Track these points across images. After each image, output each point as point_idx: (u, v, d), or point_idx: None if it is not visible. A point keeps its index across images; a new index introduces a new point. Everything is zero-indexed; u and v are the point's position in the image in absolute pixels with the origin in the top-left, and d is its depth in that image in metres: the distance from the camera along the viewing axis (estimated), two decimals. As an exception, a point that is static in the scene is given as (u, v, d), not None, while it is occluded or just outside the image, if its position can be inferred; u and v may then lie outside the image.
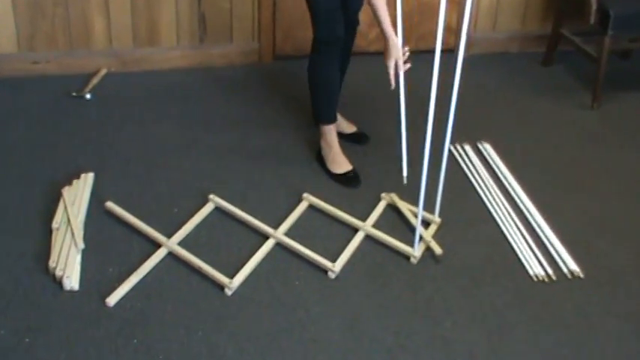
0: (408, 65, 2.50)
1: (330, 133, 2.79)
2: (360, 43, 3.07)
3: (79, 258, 2.31)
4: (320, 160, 2.84)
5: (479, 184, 2.79)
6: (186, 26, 3.56)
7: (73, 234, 2.36)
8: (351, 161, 2.80)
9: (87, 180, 2.65)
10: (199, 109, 3.25)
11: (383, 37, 2.48)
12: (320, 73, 2.70)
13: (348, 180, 2.75)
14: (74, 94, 3.28)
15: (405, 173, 2.61)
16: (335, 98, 2.77)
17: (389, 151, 2.86)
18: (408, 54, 2.51)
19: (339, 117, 2.95)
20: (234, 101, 3.33)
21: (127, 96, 3.33)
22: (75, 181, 2.63)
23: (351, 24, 2.67)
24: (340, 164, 2.78)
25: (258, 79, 3.55)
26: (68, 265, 2.24)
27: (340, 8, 2.56)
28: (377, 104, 3.24)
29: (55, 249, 2.31)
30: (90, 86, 3.34)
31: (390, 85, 2.49)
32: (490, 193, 2.74)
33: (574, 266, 2.40)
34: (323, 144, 2.81)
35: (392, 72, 2.48)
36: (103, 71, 3.49)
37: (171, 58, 3.59)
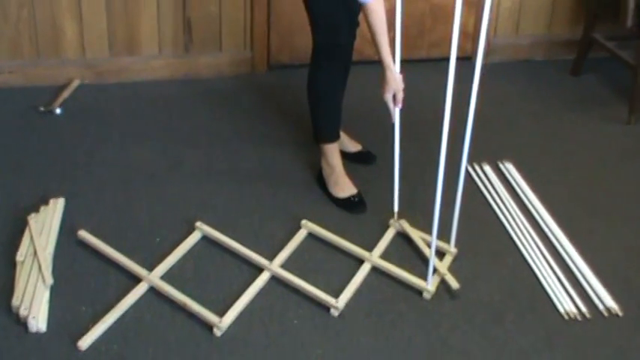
0: (402, 95, 2.51)
1: (333, 152, 2.80)
2: (365, 50, 3.09)
3: (47, 295, 2.30)
4: (321, 182, 2.84)
5: (500, 210, 2.80)
6: (169, 32, 3.59)
7: (40, 268, 2.36)
8: (356, 184, 2.81)
9: (56, 206, 2.66)
10: (184, 125, 3.27)
11: (380, 64, 2.48)
12: (321, 86, 2.72)
13: (352, 205, 2.76)
14: (42, 108, 3.30)
15: (395, 208, 2.63)
16: (338, 114, 2.79)
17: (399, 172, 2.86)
18: (403, 85, 2.52)
19: (342, 134, 2.97)
20: (223, 117, 3.34)
21: (102, 111, 3.35)
22: (43, 208, 2.64)
23: (351, 25, 2.68)
24: (343, 187, 2.79)
25: (251, 92, 3.57)
26: (34, 303, 2.24)
27: (343, 12, 2.58)
28: (384, 119, 3.25)
29: (20, 285, 2.31)
30: (60, 100, 3.36)
31: (391, 119, 2.51)
32: (513, 219, 2.75)
33: (611, 303, 2.40)
34: (324, 164, 2.82)
35: (392, 105, 2.50)
36: (75, 83, 3.51)
37: (152, 68, 3.61)
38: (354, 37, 2.67)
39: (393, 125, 2.52)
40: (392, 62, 2.45)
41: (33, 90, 3.43)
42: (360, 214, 2.74)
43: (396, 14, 2.32)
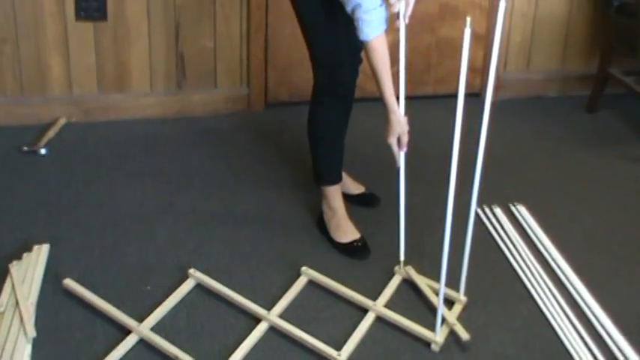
0: (407, 138, 2.52)
1: (334, 195, 2.82)
2: (368, 86, 3.12)
3: (29, 349, 2.29)
4: (322, 226, 2.86)
5: (513, 255, 2.80)
6: (161, 68, 3.63)
7: (22, 319, 2.36)
8: (359, 228, 2.82)
9: (40, 253, 2.66)
10: (177, 166, 3.29)
11: (384, 107, 2.48)
12: (322, 125, 2.74)
13: (355, 250, 2.77)
14: (26, 148, 3.32)
15: (401, 254, 2.64)
16: (340, 155, 2.81)
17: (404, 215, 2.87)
18: (408, 127, 2.53)
19: (344, 175, 2.98)
20: (218, 157, 3.37)
21: (89, 151, 3.37)
22: (25, 255, 2.64)
23: (354, 62, 2.71)
24: (346, 232, 2.80)
25: (248, 131, 3.59)
26: (15, 358, 2.23)
27: (346, 48, 2.61)
28: (387, 159, 3.27)
29: None
30: (45, 139, 3.38)
31: (395, 163, 2.53)
32: (527, 265, 2.75)
33: (633, 355, 2.39)
34: (325, 208, 2.84)
35: (396, 149, 2.51)
36: (61, 121, 3.53)
37: (143, 105, 3.64)
38: (356, 73, 2.70)
39: (397, 167, 2.53)
40: (395, 104, 2.46)
41: (16, 129, 3.45)
42: (363, 260, 2.74)
43: (400, 49, 2.34)
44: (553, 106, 3.95)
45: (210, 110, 3.72)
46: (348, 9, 2.39)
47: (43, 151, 3.32)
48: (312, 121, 2.75)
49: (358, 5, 2.34)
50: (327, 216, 2.84)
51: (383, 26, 2.40)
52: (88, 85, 3.57)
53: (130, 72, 3.60)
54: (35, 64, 3.48)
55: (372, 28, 2.38)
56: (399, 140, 2.49)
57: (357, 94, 2.75)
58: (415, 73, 3.78)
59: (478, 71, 3.92)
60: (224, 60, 3.68)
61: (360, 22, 2.37)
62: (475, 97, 3.80)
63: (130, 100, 3.63)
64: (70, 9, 3.41)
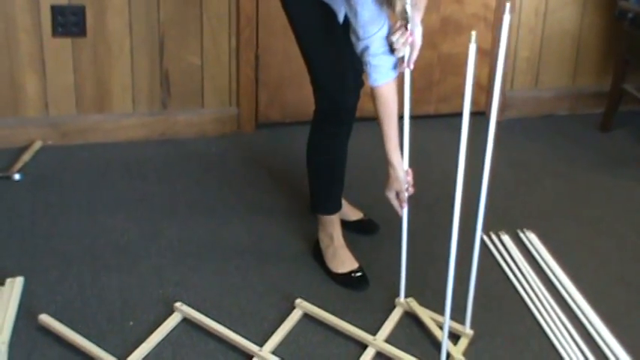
0: (412, 191, 2.54)
1: (332, 223, 2.83)
2: (365, 106, 3.14)
3: (3, 388, 2.29)
4: (317, 256, 2.86)
5: (522, 285, 2.81)
6: (144, 87, 3.64)
7: (-4, 357, 2.35)
8: (357, 257, 2.82)
9: (14, 286, 2.65)
10: (162, 192, 3.30)
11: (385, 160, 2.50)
12: (324, 154, 2.75)
13: (352, 281, 2.77)
14: (-1, 174, 3.33)
15: (402, 285, 2.64)
16: (341, 184, 2.82)
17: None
18: (411, 181, 2.53)
19: (343, 202, 3.00)
20: (206, 182, 3.37)
21: (67, 176, 3.38)
22: (-1, 288, 2.64)
23: (356, 86, 2.73)
24: (343, 261, 2.80)
25: (237, 153, 3.60)
26: (-11, 397, 2.22)
27: (350, 72, 2.62)
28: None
29: (-27, 377, 2.29)
30: (19, 164, 3.39)
31: (398, 214, 2.55)
32: (537, 296, 2.75)
33: (651, 392, 2.39)
34: (322, 236, 2.84)
35: (395, 203, 2.53)
36: (37, 144, 3.54)
37: (125, 127, 3.66)
38: (358, 97, 2.72)
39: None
40: (396, 158, 2.46)
41: (-11, 153, 3.47)
42: (361, 291, 2.74)
43: (405, 97, 2.33)
44: (564, 126, 3.97)
45: (197, 132, 3.74)
46: (358, 51, 2.42)
47: (17, 176, 3.32)
48: (313, 148, 2.76)
49: (366, 48, 2.37)
50: (323, 244, 2.85)
51: (393, 73, 2.42)
52: (66, 105, 3.58)
53: (111, 91, 3.61)
54: (8, 83, 3.49)
55: (380, 74, 2.40)
56: (398, 196, 2.52)
57: (356, 113, 2.77)
58: (416, 91, 3.79)
59: (483, 89, 3.94)
60: (212, 78, 3.70)
61: (368, 67, 2.40)
62: (480, 115, 3.82)
63: (111, 122, 3.64)
64: (46, 24, 3.43)
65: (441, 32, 3.86)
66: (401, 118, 2.40)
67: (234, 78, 3.72)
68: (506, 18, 2.09)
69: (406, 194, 2.52)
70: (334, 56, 2.61)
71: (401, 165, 2.48)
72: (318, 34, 2.60)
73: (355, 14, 2.32)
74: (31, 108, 3.55)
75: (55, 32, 3.44)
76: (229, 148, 3.66)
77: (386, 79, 2.41)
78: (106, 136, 3.64)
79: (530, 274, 2.86)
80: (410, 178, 2.52)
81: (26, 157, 3.44)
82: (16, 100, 3.52)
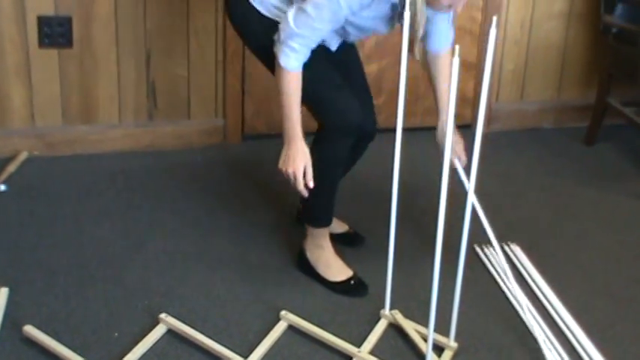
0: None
1: (324, 234, 2.84)
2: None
3: (-13, 400, 2.29)
4: (303, 266, 2.87)
5: (507, 298, 2.82)
6: (130, 98, 3.65)
7: (-20, 368, 2.35)
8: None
9: (-1, 297, 2.66)
10: (147, 203, 3.30)
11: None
12: (327, 162, 2.69)
13: (352, 288, 2.78)
14: (-16, 185, 3.33)
15: (387, 297, 2.64)
16: (335, 197, 2.82)
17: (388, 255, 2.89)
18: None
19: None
20: (192, 193, 3.38)
21: (53, 187, 3.38)
22: (-17, 299, 2.64)
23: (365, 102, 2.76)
24: (339, 270, 2.82)
25: (223, 165, 3.61)
26: (-27, 409, 2.22)
27: (343, 85, 2.64)
28: (373, 195, 3.30)
29: (-43, 388, 2.29)
30: (5, 175, 3.39)
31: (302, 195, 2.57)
32: (521, 309, 2.76)
33: (633, 403, 2.40)
34: (311, 247, 2.85)
35: (300, 182, 2.52)
36: (23, 155, 3.54)
37: (111, 138, 3.66)
38: (371, 113, 2.77)
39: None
40: (300, 135, 2.50)
41: (-26, 164, 3.46)
42: (362, 297, 2.76)
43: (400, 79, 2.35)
44: (549, 139, 4.00)
45: (183, 143, 3.74)
46: (282, 30, 2.44)
47: (2, 187, 3.32)
48: (317, 156, 2.68)
49: (299, 35, 2.40)
50: (313, 255, 2.85)
51: (302, 65, 2.46)
52: (52, 116, 3.59)
53: (98, 102, 3.62)
54: (-6, 94, 3.50)
55: (294, 59, 2.44)
56: (305, 173, 2.52)
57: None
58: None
59: (469, 101, 3.97)
60: (198, 90, 3.71)
61: (284, 46, 2.43)
62: (466, 128, 3.84)
63: (97, 133, 3.65)
64: (32, 35, 3.44)
65: (427, 45, 3.89)
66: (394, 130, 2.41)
67: (221, 89, 3.73)
68: (493, 32, 2.11)
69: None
70: (332, 77, 2.64)
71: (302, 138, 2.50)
72: (312, 62, 2.56)
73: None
74: (16, 119, 3.55)
75: (42, 43, 3.45)
76: (215, 159, 3.67)
77: (298, 67, 2.45)
78: (92, 147, 3.64)
79: (514, 287, 2.87)
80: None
81: (12, 167, 3.44)
82: (1, 110, 3.52)
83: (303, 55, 2.46)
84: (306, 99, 2.55)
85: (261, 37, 2.60)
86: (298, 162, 2.50)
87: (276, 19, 2.53)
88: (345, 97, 2.63)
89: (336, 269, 2.82)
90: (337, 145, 2.68)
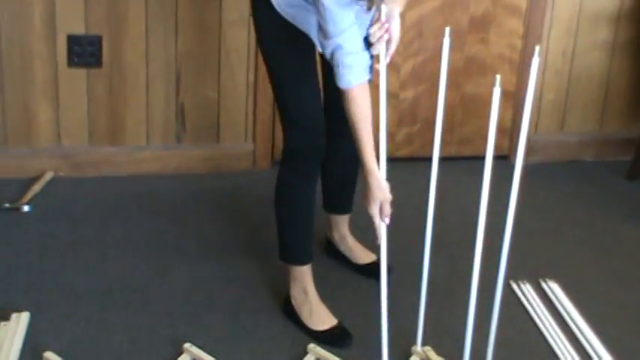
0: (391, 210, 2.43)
1: (305, 276, 2.77)
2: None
3: None
4: (289, 313, 2.80)
5: (544, 338, 2.79)
6: (159, 120, 3.67)
7: (-2, 395, 2.35)
8: (370, 304, 2.79)
9: (19, 322, 2.65)
10: (173, 229, 3.31)
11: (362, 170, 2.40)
12: (297, 197, 2.69)
13: (336, 338, 2.70)
14: (7, 205, 3.34)
15: (419, 333, 2.61)
16: (312, 229, 2.77)
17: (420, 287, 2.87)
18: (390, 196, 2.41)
19: (352, 242, 3.01)
20: (219, 220, 3.38)
21: (78, 209, 3.40)
22: (2, 324, 2.63)
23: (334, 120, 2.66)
24: (323, 318, 2.74)
25: (253, 191, 3.61)
26: None
27: (320, 104, 2.60)
28: (404, 225, 3.29)
29: (-26, 415, 2.29)
30: (29, 195, 3.41)
31: (376, 238, 2.44)
32: (560, 349, 2.73)
33: None
34: (295, 292, 2.78)
35: (378, 221, 2.39)
36: (48, 175, 3.56)
37: (138, 160, 3.68)
38: (334, 134, 2.67)
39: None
40: (375, 165, 2.36)
41: (-2, 183, 3.49)
42: (346, 348, 2.68)
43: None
44: (589, 172, 3.97)
45: (211, 167, 3.75)
46: (327, 52, 2.33)
47: (26, 207, 3.34)
48: (284, 191, 2.70)
49: (338, 47, 2.29)
50: (296, 301, 2.78)
51: (366, 73, 2.35)
52: (79, 136, 3.61)
53: (125, 123, 3.64)
54: (21, 111, 3.53)
55: (354, 75, 2.31)
56: (381, 210, 2.39)
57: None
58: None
59: (506, 132, 3.95)
60: (228, 112, 3.72)
61: (340, 68, 2.31)
62: (503, 159, 3.83)
63: (124, 155, 3.67)
64: (62, 53, 3.47)
65: (465, 72, 3.88)
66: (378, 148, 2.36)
67: (251, 113, 3.74)
68: (535, 61, 2.10)
69: (388, 207, 2.38)
70: (308, 90, 2.59)
71: (379, 171, 2.36)
72: (294, 66, 2.56)
73: (322, 7, 2.22)
74: (43, 138, 3.58)
75: (71, 62, 3.48)
76: (244, 185, 3.67)
77: (360, 79, 2.32)
78: (119, 169, 3.66)
79: (552, 327, 2.84)
80: (389, 193, 2.38)
81: (36, 187, 3.46)
82: (28, 129, 3.55)
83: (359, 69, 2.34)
84: (279, 91, 2.59)
85: (271, 35, 2.56)
86: (372, 199, 2.38)
87: (288, 17, 2.48)
88: (315, 113, 2.61)
89: (319, 318, 2.74)
90: (305, 175, 2.66)
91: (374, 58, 2.38)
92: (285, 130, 2.65)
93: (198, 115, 3.69)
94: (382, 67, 2.31)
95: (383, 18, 2.27)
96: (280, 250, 2.81)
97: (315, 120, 2.61)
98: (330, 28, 2.26)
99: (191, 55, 3.59)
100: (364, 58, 2.33)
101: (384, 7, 2.26)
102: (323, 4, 2.21)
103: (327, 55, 2.34)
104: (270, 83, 2.64)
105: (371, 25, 2.30)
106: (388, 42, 2.34)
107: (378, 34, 2.28)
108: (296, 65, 2.57)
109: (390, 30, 2.32)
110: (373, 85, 2.35)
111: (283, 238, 2.79)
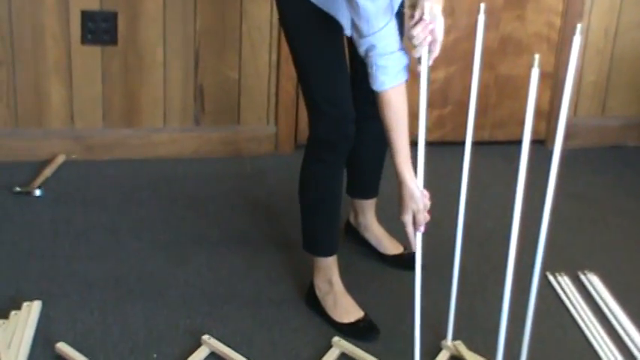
0: (428, 217, 2.41)
1: (331, 267, 2.78)
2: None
3: (15, 421, 2.31)
4: (313, 303, 2.81)
5: (582, 333, 2.78)
6: (177, 101, 3.67)
7: (8, 387, 2.37)
8: (399, 295, 2.81)
9: (31, 311, 2.67)
10: (192, 215, 3.32)
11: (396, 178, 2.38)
12: (323, 188, 2.69)
13: (361, 331, 2.71)
14: (18, 189, 3.37)
15: (450, 327, 2.62)
16: (338, 220, 2.77)
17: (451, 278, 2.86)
18: (429, 203, 2.40)
19: (381, 233, 3.01)
20: (239, 206, 3.40)
21: (91, 194, 3.42)
22: (13, 313, 2.65)
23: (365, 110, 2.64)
24: (347, 310, 2.75)
25: (274, 176, 3.62)
26: None
27: (350, 90, 2.57)
28: (434, 213, 3.28)
29: (-16, 407, 2.31)
30: (41, 179, 3.43)
31: (412, 246, 2.45)
32: (599, 345, 2.72)
33: None
34: (319, 282, 2.79)
35: (411, 230, 2.39)
36: (60, 158, 3.59)
37: (154, 143, 3.69)
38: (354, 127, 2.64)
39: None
40: (408, 174, 2.35)
41: (8, 166, 3.51)
42: (372, 341, 2.68)
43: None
44: (632, 158, 3.95)
45: (231, 150, 3.76)
46: (362, 50, 2.32)
47: (37, 192, 3.36)
48: (309, 182, 2.71)
49: (372, 47, 2.28)
50: (321, 292, 2.79)
51: (402, 75, 2.33)
52: (92, 118, 3.63)
53: (141, 104, 3.65)
54: (33, 92, 3.54)
55: (388, 76, 2.30)
56: (414, 219, 2.39)
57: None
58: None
59: (543, 115, 3.93)
60: (249, 94, 3.72)
61: (374, 69, 2.30)
62: (539, 144, 3.82)
63: (140, 137, 3.68)
64: (75, 31, 3.48)
65: (500, 52, 3.87)
66: (414, 144, 2.36)
67: (273, 94, 3.74)
68: (577, 40, 2.08)
69: (422, 217, 2.38)
70: (337, 76, 2.57)
71: (414, 180, 2.35)
72: (322, 52, 2.54)
73: (357, 5, 2.20)
74: (55, 119, 3.60)
75: (85, 39, 3.49)
76: (266, 169, 3.68)
77: (395, 81, 2.30)
78: (134, 152, 3.67)
79: (591, 321, 2.84)
80: (427, 200, 2.38)
81: (48, 171, 3.48)
82: (39, 110, 3.57)
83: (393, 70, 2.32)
84: (304, 78, 2.57)
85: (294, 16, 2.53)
86: (404, 208, 2.38)
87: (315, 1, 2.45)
88: (342, 100, 2.58)
89: (344, 309, 2.75)
90: (332, 165, 2.66)
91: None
92: (311, 119, 2.64)
93: (218, 96, 3.70)
94: (423, 71, 2.26)
95: (427, 18, 2.23)
96: (304, 241, 2.82)
97: (343, 108, 2.57)
98: (364, 26, 2.25)
99: (210, 32, 3.59)
100: (400, 59, 2.31)
101: (427, 5, 2.21)
102: (358, 3, 2.20)
103: (362, 54, 2.33)
104: (294, 67, 2.63)
105: (412, 25, 2.25)
106: (432, 43, 2.29)
107: (422, 36, 2.24)
108: (322, 50, 2.54)
109: (434, 31, 2.28)
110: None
111: (308, 228, 2.79)
